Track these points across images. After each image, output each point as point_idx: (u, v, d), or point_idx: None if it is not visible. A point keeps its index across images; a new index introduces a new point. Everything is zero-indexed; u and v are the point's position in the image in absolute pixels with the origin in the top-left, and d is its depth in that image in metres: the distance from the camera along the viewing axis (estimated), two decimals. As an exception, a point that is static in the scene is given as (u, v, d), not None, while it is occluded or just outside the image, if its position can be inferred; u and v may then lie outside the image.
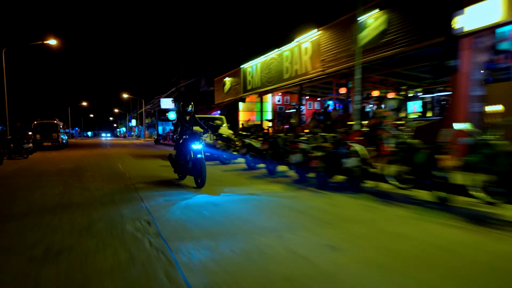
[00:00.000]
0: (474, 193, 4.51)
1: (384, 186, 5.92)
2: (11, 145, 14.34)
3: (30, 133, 20.89)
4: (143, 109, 45.17)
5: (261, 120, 18.01)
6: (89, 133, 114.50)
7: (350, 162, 5.69)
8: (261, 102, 17.92)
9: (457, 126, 5.07)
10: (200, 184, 6.16)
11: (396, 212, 4.33)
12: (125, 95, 48.09)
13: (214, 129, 11.27)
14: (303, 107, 18.16)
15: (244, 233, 3.46)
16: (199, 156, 6.24)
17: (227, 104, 20.73)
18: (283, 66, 13.91)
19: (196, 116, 7.49)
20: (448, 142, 4.74)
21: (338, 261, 2.73)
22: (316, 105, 19.34)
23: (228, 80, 19.73)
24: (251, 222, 3.92)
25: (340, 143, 6.22)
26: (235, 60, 19.57)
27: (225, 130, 12.40)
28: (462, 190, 4.79)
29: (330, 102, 16.79)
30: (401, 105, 12.27)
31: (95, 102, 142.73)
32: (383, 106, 11.62)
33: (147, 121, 54.09)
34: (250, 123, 16.55)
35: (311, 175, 6.80)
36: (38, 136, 21.29)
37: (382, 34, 9.14)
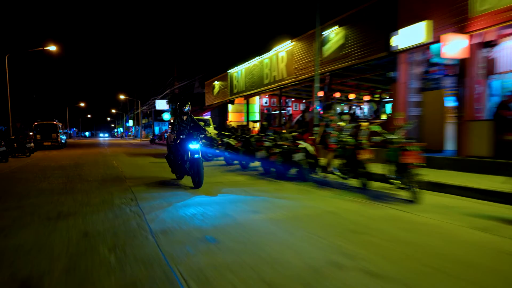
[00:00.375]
0: (391, 180, 5.84)
1: (331, 176, 7.29)
2: (15, 144, 15.66)
3: (31, 133, 22.20)
4: (140, 110, 46.50)
5: (247, 121, 19.40)
6: (87, 133, 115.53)
7: (297, 156, 7.08)
8: (247, 104, 19.31)
9: (373, 127, 6.46)
10: (197, 184, 6.18)
11: (322, 194, 5.71)
12: (122, 96, 49.29)
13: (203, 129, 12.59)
14: (289, 109, 19.60)
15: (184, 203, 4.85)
16: (196, 156, 6.25)
17: (217, 106, 22.11)
18: (263, 72, 15.32)
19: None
20: (364, 140, 6.12)
21: (259, 219, 4.10)
22: (302, 107, 20.76)
23: (217, 83, 21.13)
24: (202, 204, 5.30)
25: (294, 141, 7.60)
26: (224, 64, 20.94)
27: (211, 130, 13.78)
28: (380, 177, 6.19)
29: (316, 104, 18.17)
30: (371, 109, 13.68)
31: (92, 103, 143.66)
32: (332, 111, 13.05)
33: (143, 121, 55.41)
34: (233, 124, 17.94)
35: (274, 169, 8.18)
36: (38, 136, 22.57)
37: (341, 47, 10.55)
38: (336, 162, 7.10)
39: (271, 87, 14.77)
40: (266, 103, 21.67)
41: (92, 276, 2.52)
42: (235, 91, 18.74)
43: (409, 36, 7.97)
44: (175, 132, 6.85)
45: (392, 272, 2.52)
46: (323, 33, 10.95)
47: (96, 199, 5.30)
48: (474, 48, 7.06)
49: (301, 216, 4.19)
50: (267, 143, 8.30)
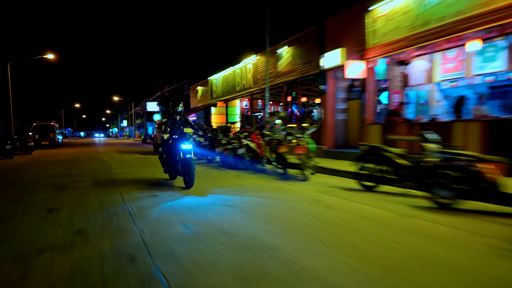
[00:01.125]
0: (274, 163, 8.14)
1: (269, 166, 9.60)
2: (17, 143, 17.86)
3: (30, 133, 24.38)
4: (133, 111, 48.67)
5: (226, 122, 21.73)
6: (82, 133, 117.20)
7: (240, 151, 9.41)
8: (226, 107, 21.65)
9: (288, 129, 8.77)
10: (188, 184, 6.24)
11: (250, 177, 8.03)
12: (116, 98, 51.36)
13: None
14: (268, 111, 22.00)
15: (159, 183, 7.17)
16: (188, 156, 6.28)
17: (202, 108, 24.44)
18: (236, 81, 17.68)
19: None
20: (282, 138, 8.46)
21: (200, 186, 6.43)
22: (280, 109, 23.15)
23: (199, 88, 23.48)
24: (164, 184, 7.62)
25: (239, 139, 9.93)
26: (207, 71, 23.26)
27: (189, 130, 16.06)
28: (295, 166, 8.52)
29: (293, 106, 20.60)
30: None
31: (88, 103, 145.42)
32: (275, 116, 15.47)
33: (137, 121, 57.49)
34: (215, 125, 20.30)
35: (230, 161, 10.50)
36: (37, 136, 24.72)
37: (290, 63, 12.92)
38: (273, 155, 9.44)
39: (241, 93, 17.15)
40: (246, 105, 24.04)
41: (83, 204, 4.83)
42: (214, 96, 21.10)
43: (331, 58, 10.36)
44: (168, 131, 6.84)
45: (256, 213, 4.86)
46: (277, 51, 13.31)
47: (88, 181, 7.61)
48: (370, 70, 9.45)
49: (218, 188, 6.54)
50: (223, 141, 10.62)
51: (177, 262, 2.82)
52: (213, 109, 23.16)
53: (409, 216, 4.21)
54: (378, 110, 10.87)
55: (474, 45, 8.01)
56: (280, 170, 8.60)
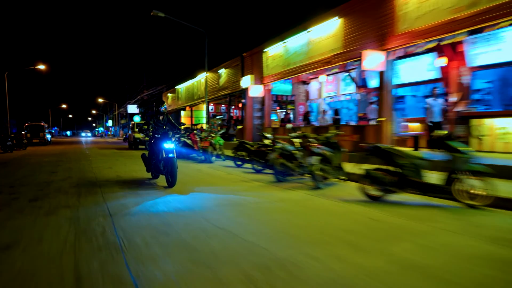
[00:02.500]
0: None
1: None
2: (14, 140, 21.80)
3: (23, 132, 28.21)
4: (117, 112, 52.44)
5: (191, 124, 26.05)
6: (68, 133, 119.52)
7: (181, 144, 13.75)
8: (192, 111, 25.97)
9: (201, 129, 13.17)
10: (170, 183, 6.27)
11: (200, 167, 12.39)
12: (100, 100, 54.97)
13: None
14: (232, 114, 26.46)
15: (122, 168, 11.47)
16: (170, 155, 6.32)
17: (173, 112, 28.70)
18: (194, 91, 22.02)
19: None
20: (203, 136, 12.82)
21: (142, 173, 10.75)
22: (242, 113, 27.59)
23: (170, 95, 27.74)
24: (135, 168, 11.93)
25: (179, 138, 14.27)
26: (176, 80, 27.56)
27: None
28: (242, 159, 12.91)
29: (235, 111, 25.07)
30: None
31: (74, 103, 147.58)
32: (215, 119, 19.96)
33: (122, 121, 61.14)
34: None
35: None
36: (28, 135, 28.54)
37: (226, 81, 17.34)
38: (210, 149, 13.77)
39: (197, 101, 21.53)
40: (212, 109, 28.43)
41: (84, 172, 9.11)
42: (180, 102, 25.42)
43: (246, 81, 14.82)
44: (151, 131, 6.88)
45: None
46: (219, 71, 17.73)
47: (74, 166, 11.85)
48: (267, 91, 13.92)
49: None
50: (183, 139, 14.93)
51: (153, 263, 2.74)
52: (182, 112, 27.44)
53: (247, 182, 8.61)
54: (282, 117, 15.43)
55: (322, 77, 12.66)
56: (202, 157, 13.02)
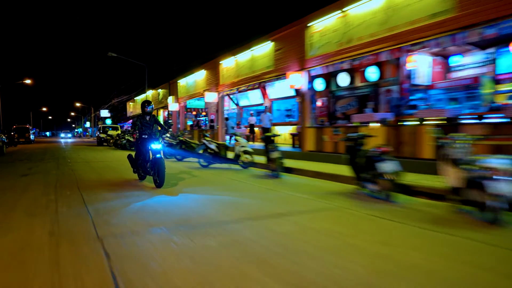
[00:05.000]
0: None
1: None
2: (7, 139, 28.25)
3: (12, 133, 34.46)
4: (92, 115, 58.49)
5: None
6: (48, 133, 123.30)
7: (123, 142, 20.75)
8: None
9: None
10: (158, 184, 6.19)
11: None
12: (78, 104, 60.94)
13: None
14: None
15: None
16: (158, 156, 6.26)
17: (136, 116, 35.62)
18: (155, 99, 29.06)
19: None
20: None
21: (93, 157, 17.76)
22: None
23: (131, 104, 34.58)
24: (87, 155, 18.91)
25: (123, 136, 21.29)
26: (136, 91, 34.37)
27: (119, 132, 27.16)
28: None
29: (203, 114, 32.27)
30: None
31: (53, 104, 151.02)
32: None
33: (99, 123, 67.11)
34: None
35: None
36: (16, 135, 34.78)
37: (161, 98, 24.48)
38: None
39: (154, 108, 28.66)
40: (167, 114, 35.46)
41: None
42: (137, 110, 32.35)
43: (170, 99, 21.99)
44: (137, 132, 6.83)
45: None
46: (158, 90, 24.87)
47: (53, 155, 18.71)
48: (220, 98, 20.98)
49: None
50: (126, 137, 21.94)
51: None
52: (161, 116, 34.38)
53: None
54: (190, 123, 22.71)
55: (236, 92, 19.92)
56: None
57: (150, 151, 6.41)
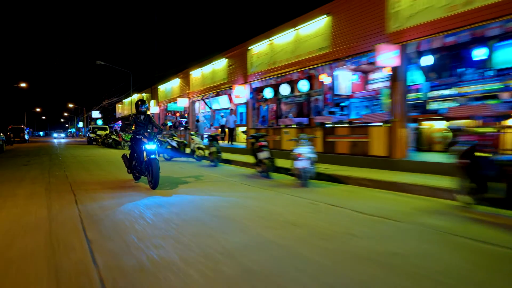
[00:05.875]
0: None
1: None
2: (6, 138, 30.81)
3: (8, 133, 36.96)
4: (85, 115, 60.93)
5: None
6: (41, 133, 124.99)
7: (109, 141, 23.50)
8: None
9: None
10: (153, 185, 6.15)
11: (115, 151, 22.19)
12: (70, 105, 63.34)
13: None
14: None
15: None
16: (152, 156, 6.21)
17: (123, 118, 38.20)
18: (132, 105, 31.78)
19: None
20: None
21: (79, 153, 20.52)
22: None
23: (119, 106, 37.28)
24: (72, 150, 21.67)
25: (110, 136, 24.02)
26: (124, 93, 37.04)
27: (107, 132, 29.86)
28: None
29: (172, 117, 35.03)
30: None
31: (47, 104, 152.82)
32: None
33: (92, 123, 69.58)
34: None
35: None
36: (11, 135, 37.28)
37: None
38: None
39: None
40: (153, 116, 38.19)
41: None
42: (125, 112, 35.10)
43: (151, 103, 24.77)
44: (132, 131, 6.78)
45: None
46: (143, 94, 27.64)
47: (46, 152, 21.42)
48: (191, 103, 23.83)
49: (104, 159, 20.67)
50: (113, 136, 24.66)
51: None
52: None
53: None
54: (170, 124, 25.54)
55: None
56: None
57: (144, 152, 6.43)
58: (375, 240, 3.29)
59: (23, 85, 36.50)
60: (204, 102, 23.35)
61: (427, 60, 10.96)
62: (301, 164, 6.61)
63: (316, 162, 6.88)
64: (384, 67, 10.01)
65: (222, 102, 22.52)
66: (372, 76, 13.99)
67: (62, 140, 48.36)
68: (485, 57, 9.90)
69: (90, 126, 34.29)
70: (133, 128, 6.77)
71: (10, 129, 37.54)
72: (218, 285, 2.38)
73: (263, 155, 8.00)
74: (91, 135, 28.92)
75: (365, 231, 3.58)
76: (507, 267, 2.70)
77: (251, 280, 2.45)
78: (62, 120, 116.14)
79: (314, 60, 10.45)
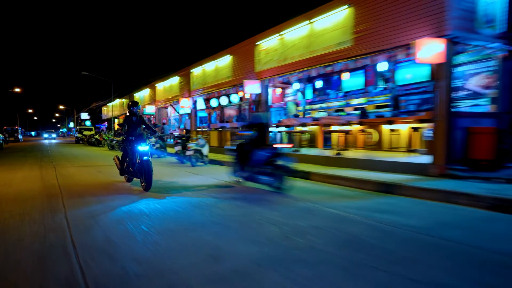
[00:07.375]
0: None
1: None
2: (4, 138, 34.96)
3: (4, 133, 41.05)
4: (75, 116, 64.87)
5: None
6: (33, 133, 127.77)
7: (93, 140, 27.85)
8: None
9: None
10: (146, 187, 6.07)
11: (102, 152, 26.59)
12: (61, 107, 67.22)
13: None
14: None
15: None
16: (145, 158, 6.16)
17: (108, 120, 42.41)
18: (118, 107, 36.05)
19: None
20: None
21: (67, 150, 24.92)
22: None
23: (105, 109, 41.57)
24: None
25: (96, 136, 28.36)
26: (109, 96, 41.30)
27: (88, 133, 34.17)
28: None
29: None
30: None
31: (38, 104, 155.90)
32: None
33: (82, 124, 73.47)
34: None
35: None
36: (6, 135, 41.39)
37: (125, 106, 31.64)
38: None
39: (119, 114, 35.63)
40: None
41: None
42: (112, 113, 39.44)
43: (149, 108, 29.17)
44: (123, 133, 6.80)
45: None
46: (123, 100, 32.04)
47: (37, 148, 25.74)
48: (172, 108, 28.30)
49: (88, 156, 25.06)
50: (96, 136, 29.00)
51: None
52: (116, 120, 41.33)
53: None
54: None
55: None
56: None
57: (136, 153, 6.37)
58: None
59: (17, 90, 40.52)
60: (173, 107, 27.85)
61: (318, 83, 15.60)
62: (189, 152, 11.28)
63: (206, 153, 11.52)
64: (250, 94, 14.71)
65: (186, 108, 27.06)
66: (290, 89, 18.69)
67: (53, 141, 52.44)
68: (339, 83, 14.68)
69: (77, 127, 38.55)
70: (125, 129, 6.81)
71: (4, 130, 41.66)
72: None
73: (178, 147, 12.65)
74: (78, 135, 33.23)
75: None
76: (168, 171, 7.33)
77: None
78: (53, 120, 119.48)
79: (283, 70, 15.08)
